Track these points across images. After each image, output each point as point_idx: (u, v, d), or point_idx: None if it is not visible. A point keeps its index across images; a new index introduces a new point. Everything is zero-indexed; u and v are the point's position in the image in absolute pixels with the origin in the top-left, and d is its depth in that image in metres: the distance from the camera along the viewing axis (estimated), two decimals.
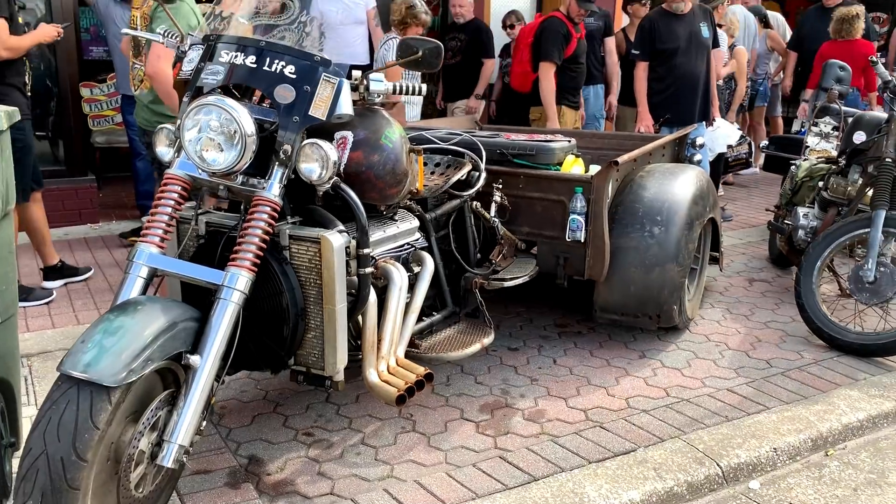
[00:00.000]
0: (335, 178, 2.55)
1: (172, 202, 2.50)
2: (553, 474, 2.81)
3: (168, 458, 2.22)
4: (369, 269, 2.59)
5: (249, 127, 2.38)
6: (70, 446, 1.94)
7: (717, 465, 2.92)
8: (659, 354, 3.91)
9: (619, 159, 3.67)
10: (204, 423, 2.41)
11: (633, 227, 3.79)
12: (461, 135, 3.89)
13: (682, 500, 2.81)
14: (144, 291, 2.40)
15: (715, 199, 4.28)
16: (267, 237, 2.44)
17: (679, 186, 3.92)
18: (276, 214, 2.46)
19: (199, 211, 2.65)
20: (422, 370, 2.74)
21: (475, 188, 3.59)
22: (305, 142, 2.46)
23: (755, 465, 2.99)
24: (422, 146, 3.79)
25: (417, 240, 3.12)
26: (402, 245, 3.02)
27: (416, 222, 3.11)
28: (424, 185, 3.42)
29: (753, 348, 4.01)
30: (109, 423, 2.03)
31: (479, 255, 3.69)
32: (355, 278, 2.60)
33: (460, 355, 3.09)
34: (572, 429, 3.16)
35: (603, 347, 3.99)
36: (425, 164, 3.71)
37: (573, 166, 3.91)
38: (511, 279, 3.52)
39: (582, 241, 3.69)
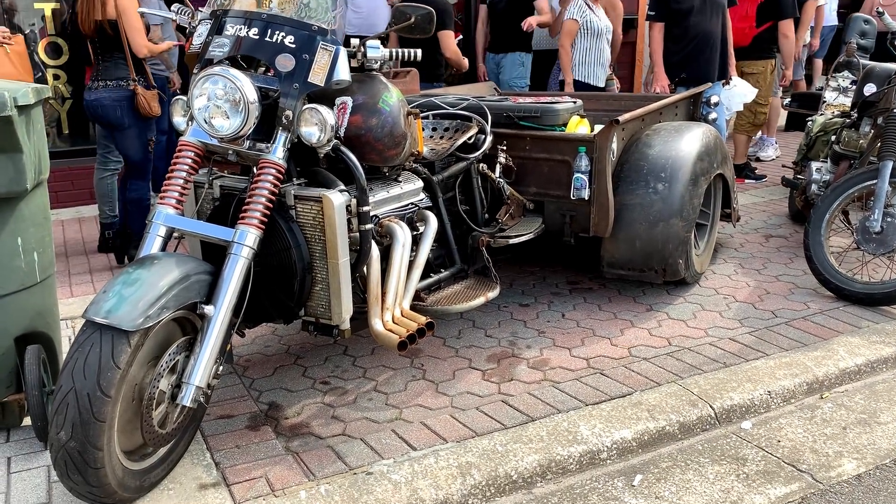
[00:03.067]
0: (335, 141, 2.73)
1: (187, 167, 2.71)
2: (550, 415, 2.99)
3: (187, 398, 2.46)
4: (369, 226, 2.78)
5: (252, 94, 2.57)
6: (95, 383, 2.18)
7: (710, 406, 3.06)
8: (666, 307, 4.04)
9: (621, 118, 3.78)
10: (221, 369, 2.64)
11: (637, 184, 3.90)
12: (469, 100, 4.04)
13: (673, 439, 2.96)
14: (163, 249, 2.63)
15: (724, 155, 4.35)
16: (273, 197, 2.64)
17: (684, 143, 4.01)
18: (280, 176, 2.66)
19: (213, 175, 2.86)
20: (423, 320, 2.93)
21: (481, 150, 3.74)
22: (305, 107, 2.64)
23: (748, 407, 3.12)
24: (430, 111, 3.96)
25: (422, 200, 3.29)
26: (407, 205, 3.20)
27: (419, 183, 3.28)
28: (431, 149, 3.60)
29: (761, 300, 4.10)
30: (130, 364, 2.26)
31: (486, 215, 3.85)
32: (358, 234, 2.79)
33: (464, 307, 3.27)
34: (573, 375, 3.32)
35: (612, 302, 4.13)
36: (434, 129, 3.88)
37: (578, 126, 4.03)
38: (516, 237, 3.67)
39: (587, 198, 3.81)
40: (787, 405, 3.20)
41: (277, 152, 2.66)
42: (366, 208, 2.75)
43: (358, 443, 2.85)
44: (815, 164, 4.79)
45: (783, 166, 6.05)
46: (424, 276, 3.42)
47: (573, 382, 3.25)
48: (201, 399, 2.51)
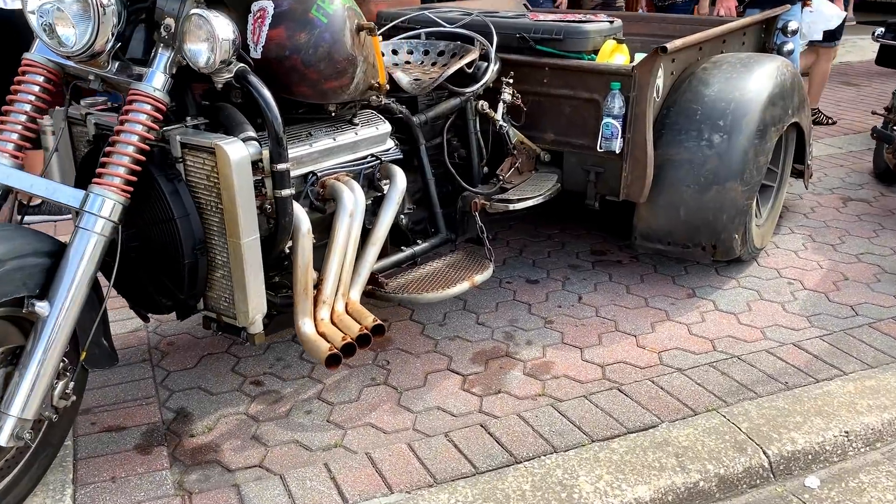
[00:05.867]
0: (240, 65, 1.89)
1: (32, 96, 1.91)
2: (540, 456, 2.19)
3: (2, 435, 1.72)
4: (289, 191, 1.95)
5: None
6: None
7: (764, 452, 2.23)
8: (713, 293, 3.16)
9: (670, 45, 2.83)
10: (71, 386, 1.89)
11: (686, 135, 2.98)
12: (473, 14, 3.12)
13: (709, 499, 2.14)
14: None
15: (802, 98, 3.38)
16: (145, 145, 1.83)
17: (753, 82, 3.05)
18: (157, 115, 1.84)
19: (87, 110, 2.06)
20: (370, 321, 2.13)
21: (480, 83, 2.86)
22: (192, 11, 1.79)
23: (816, 455, 2.27)
24: (422, 29, 3.07)
25: (389, 150, 2.44)
26: (364, 158, 2.36)
27: (384, 127, 2.43)
28: (415, 79, 2.72)
29: (836, 289, 3.19)
30: None
31: (485, 170, 2.99)
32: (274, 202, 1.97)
33: (438, 296, 2.45)
34: (581, 390, 2.51)
35: (644, 282, 3.27)
36: (425, 51, 2.99)
37: (613, 55, 3.09)
38: (519, 200, 2.80)
39: (618, 151, 2.92)
40: (871, 452, 2.35)
41: (154, 79, 1.83)
42: (283, 166, 1.92)
43: (275, 483, 2.10)
44: None
45: (873, 113, 4.99)
46: (396, 249, 2.61)
47: (579, 402, 2.44)
48: (27, 436, 1.76)
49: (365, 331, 2.08)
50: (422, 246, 2.68)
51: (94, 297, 1.90)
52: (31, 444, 1.87)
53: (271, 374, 2.61)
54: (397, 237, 2.72)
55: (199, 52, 1.80)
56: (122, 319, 2.86)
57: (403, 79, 2.69)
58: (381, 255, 2.54)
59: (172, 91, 1.92)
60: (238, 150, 1.83)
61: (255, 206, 1.90)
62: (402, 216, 2.68)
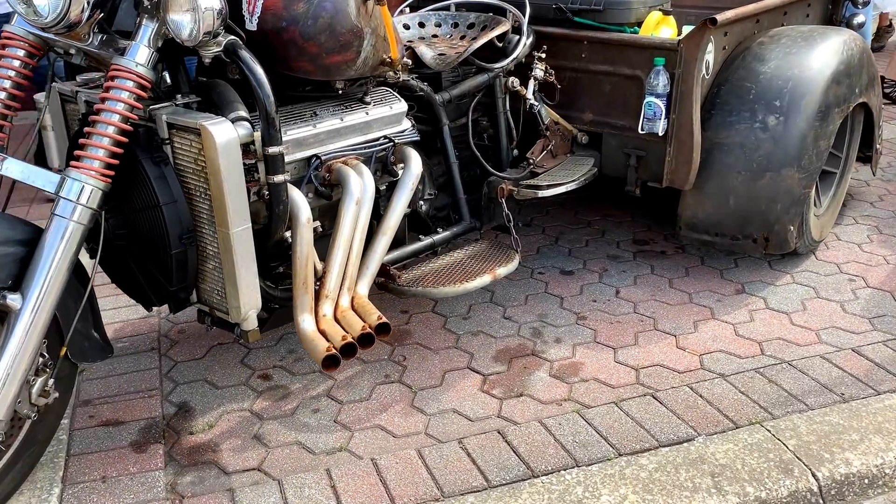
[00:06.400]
0: (231, 38, 1.72)
1: (12, 72, 1.78)
2: (560, 470, 2.00)
3: None
4: (281, 177, 1.79)
5: None
6: None
7: (813, 474, 1.99)
8: (764, 290, 2.90)
9: (720, 16, 2.56)
10: (51, 383, 1.77)
11: (738, 116, 2.72)
12: None
13: None
14: None
15: (872, 76, 3.06)
16: (127, 126, 1.68)
17: (815, 58, 2.76)
18: (141, 92, 1.69)
19: (61, 84, 1.93)
20: (374, 318, 1.95)
21: (510, 58, 2.64)
22: None
23: (874, 479, 2.03)
24: (451, 0, 2.86)
25: (404, 131, 2.25)
26: (377, 140, 2.17)
27: (400, 106, 2.24)
28: (440, 54, 2.53)
29: None
30: None
31: (515, 152, 2.77)
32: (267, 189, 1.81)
33: (455, 291, 2.27)
34: (611, 396, 2.30)
35: (689, 276, 3.02)
36: (454, 24, 2.79)
37: (659, 28, 2.83)
38: (549, 186, 2.59)
39: (661, 133, 2.67)
40: None
41: (137, 53, 1.68)
42: (275, 149, 1.75)
43: (271, 489, 1.96)
44: None
45: None
46: (414, 237, 2.44)
47: (608, 410, 2.23)
48: None
49: (368, 329, 1.90)
50: (442, 234, 2.49)
51: (78, 288, 1.78)
52: (3, 448, 1.75)
53: (281, 368, 2.47)
54: (418, 225, 2.54)
55: (182, 23, 1.63)
56: (134, 305, 2.74)
57: (427, 53, 2.50)
58: (398, 245, 2.37)
59: (168, 67, 1.78)
60: (225, 132, 1.67)
61: (245, 193, 1.74)
62: (422, 202, 2.50)
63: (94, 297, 1.89)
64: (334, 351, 1.83)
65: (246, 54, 1.70)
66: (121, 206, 1.83)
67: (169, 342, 2.62)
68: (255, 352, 2.56)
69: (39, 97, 2.02)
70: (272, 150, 1.73)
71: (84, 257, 1.76)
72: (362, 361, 2.49)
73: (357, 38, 1.89)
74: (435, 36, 2.79)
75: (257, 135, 1.74)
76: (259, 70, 1.70)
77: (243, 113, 1.73)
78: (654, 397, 2.29)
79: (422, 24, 2.82)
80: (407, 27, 2.81)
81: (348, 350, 1.86)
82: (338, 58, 1.88)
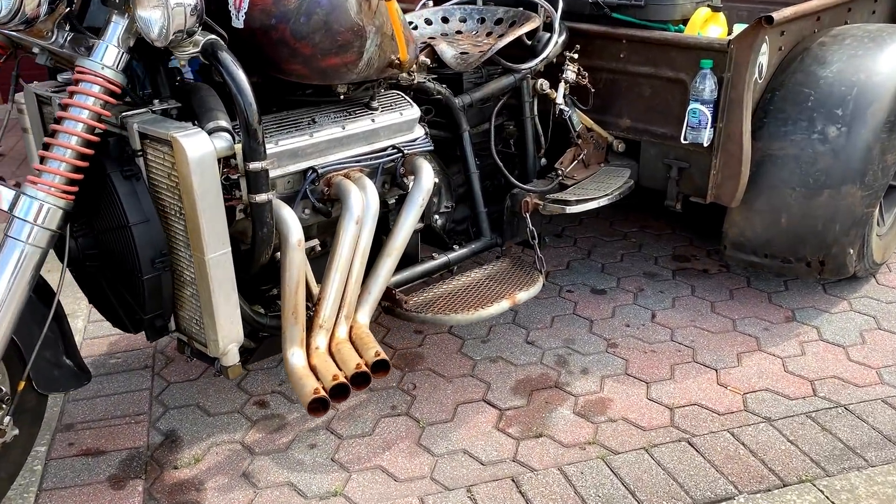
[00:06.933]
0: (210, 38, 1.51)
1: None
2: None
3: None
4: (265, 196, 1.57)
5: None
6: None
7: None
8: (817, 318, 2.61)
9: (777, 14, 2.28)
10: (5, 421, 1.59)
11: (794, 125, 2.43)
12: None
13: None
14: None
15: None
16: (93, 136, 1.48)
17: (883, 61, 2.46)
18: (108, 98, 1.49)
19: (35, 87, 1.74)
20: (372, 354, 1.73)
21: (540, 57, 2.40)
22: None
23: None
24: None
25: (416, 140, 2.02)
26: (384, 149, 1.95)
27: (411, 111, 2.01)
28: (462, 53, 2.30)
29: None
30: None
31: (544, 161, 2.53)
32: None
33: (467, 318, 2.04)
34: (642, 440, 2.05)
35: (733, 299, 2.74)
36: (481, 20, 2.55)
37: (707, 26, 2.55)
38: (578, 202, 2.33)
39: (706, 144, 2.40)
40: None
41: (105, 54, 1.48)
42: (257, 165, 1.54)
43: None
44: None
45: None
46: (428, 255, 2.23)
47: (637, 457, 1.99)
48: None
49: (362, 368, 1.68)
50: (459, 252, 2.27)
51: (44, 313, 1.59)
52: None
53: (279, 394, 2.28)
54: (434, 239, 2.32)
55: (151, 20, 1.42)
56: None
57: (447, 52, 2.27)
58: (408, 263, 2.15)
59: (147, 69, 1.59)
60: (199, 145, 1.46)
61: (222, 213, 1.53)
62: (437, 216, 2.28)
63: (63, 322, 1.71)
64: (322, 394, 1.61)
65: (226, 56, 1.49)
66: (92, 222, 1.64)
67: (164, 360, 2.44)
68: (254, 374, 2.36)
69: (20, 98, 1.84)
70: (254, 165, 1.52)
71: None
72: (369, 389, 2.28)
73: (358, 38, 1.67)
74: (459, 32, 2.56)
75: (238, 147, 1.53)
76: (240, 74, 1.49)
77: (223, 123, 1.53)
78: (689, 443, 2.04)
79: (445, 20, 2.58)
80: (429, 22, 2.58)
81: (339, 392, 1.65)
82: (335, 60, 1.65)
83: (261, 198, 1.55)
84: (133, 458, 2.02)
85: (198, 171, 1.45)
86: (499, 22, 2.53)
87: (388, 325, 2.57)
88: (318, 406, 1.62)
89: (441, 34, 2.54)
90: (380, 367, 1.72)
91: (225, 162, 1.56)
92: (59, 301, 1.69)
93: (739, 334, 2.53)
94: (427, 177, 1.94)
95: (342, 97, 1.84)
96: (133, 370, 2.39)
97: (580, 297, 2.77)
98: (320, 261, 1.88)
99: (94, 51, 1.48)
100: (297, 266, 1.68)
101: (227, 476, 1.96)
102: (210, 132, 1.50)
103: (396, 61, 1.82)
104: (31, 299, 1.60)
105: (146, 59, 1.60)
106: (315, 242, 1.92)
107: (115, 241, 1.58)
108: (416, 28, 2.56)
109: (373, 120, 1.91)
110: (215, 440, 2.09)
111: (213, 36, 1.51)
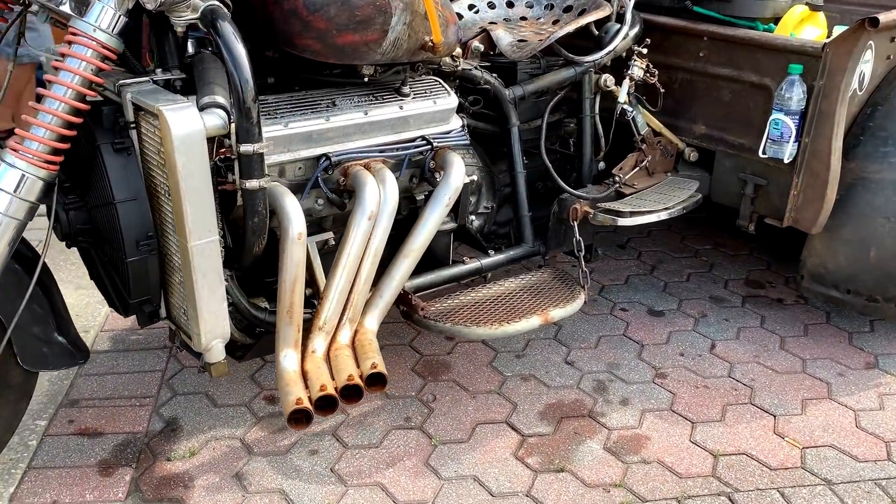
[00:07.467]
0: (211, 4, 1.36)
1: None
2: None
3: None
4: (256, 183, 1.42)
5: None
6: None
7: None
8: None
9: (883, 16, 1.97)
10: None
11: (893, 146, 2.12)
12: None
13: None
14: None
15: None
16: (82, 104, 1.37)
17: None
18: (101, 63, 1.37)
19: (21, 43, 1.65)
20: (369, 365, 1.57)
21: (605, 50, 2.17)
22: None
23: None
24: None
25: (450, 132, 1.84)
26: (413, 140, 1.77)
27: (447, 101, 1.83)
28: (519, 41, 2.10)
29: None
30: None
31: (602, 165, 2.30)
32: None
33: (491, 333, 1.84)
34: (675, 489, 1.81)
35: (807, 336, 2.44)
36: (547, 6, 2.34)
37: (802, 27, 2.25)
38: (633, 214, 2.09)
39: (787, 160, 2.12)
40: None
41: (99, 14, 1.36)
42: (249, 147, 1.38)
43: None
44: None
45: None
46: (459, 259, 2.05)
47: None
48: None
49: (354, 381, 1.52)
50: (494, 258, 2.07)
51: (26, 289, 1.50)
52: None
53: None
54: (469, 240, 2.14)
55: None
56: None
57: (503, 39, 2.08)
58: (435, 266, 1.98)
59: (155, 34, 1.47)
60: (186, 120, 1.32)
61: (211, 197, 1.39)
62: (474, 217, 2.09)
63: (54, 297, 1.62)
64: (305, 405, 1.46)
65: (225, 25, 1.34)
66: (85, 196, 1.54)
67: (178, 346, 2.35)
68: (269, 367, 2.24)
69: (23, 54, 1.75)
70: (245, 147, 1.37)
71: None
72: (385, 396, 2.12)
73: (381, 14, 1.49)
74: (523, 18, 2.35)
75: (234, 127, 1.39)
76: (238, 47, 1.34)
77: (220, 99, 1.38)
78: (730, 499, 1.79)
79: (510, 4, 2.38)
80: (492, 6, 2.38)
81: (325, 404, 1.49)
82: (354, 37, 1.49)
83: (251, 184, 1.40)
84: (129, 443, 1.93)
85: (182, 148, 1.32)
86: (568, 9, 2.31)
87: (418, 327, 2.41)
88: (300, 417, 1.47)
89: (503, 19, 2.34)
90: (375, 380, 1.55)
91: (220, 142, 1.43)
92: (49, 276, 1.61)
93: (808, 377, 2.24)
94: (457, 174, 1.76)
95: (367, 80, 1.67)
96: (151, 349, 2.31)
97: (634, 316, 2.53)
98: (333, 256, 1.73)
99: (88, 11, 1.36)
100: (295, 261, 1.52)
101: (218, 475, 1.84)
102: (203, 108, 1.36)
103: (430, 43, 1.64)
104: (15, 271, 1.51)
105: (154, 24, 1.48)
106: (329, 236, 1.77)
107: (104, 217, 1.47)
108: (476, 11, 2.37)
109: (401, 107, 1.74)
110: (215, 434, 1.98)
111: (216, 2, 1.36)
